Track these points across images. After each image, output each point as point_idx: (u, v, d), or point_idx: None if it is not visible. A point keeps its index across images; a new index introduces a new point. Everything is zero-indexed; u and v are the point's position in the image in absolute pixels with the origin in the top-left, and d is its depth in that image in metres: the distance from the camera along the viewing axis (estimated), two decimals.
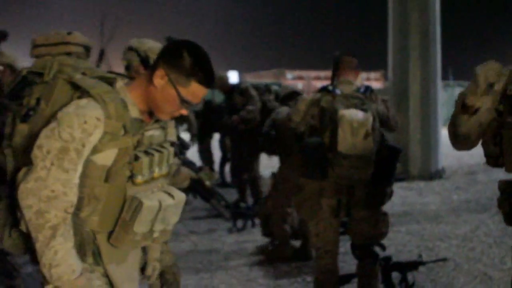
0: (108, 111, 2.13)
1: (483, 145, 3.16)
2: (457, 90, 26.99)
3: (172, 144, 2.38)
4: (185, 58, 2.17)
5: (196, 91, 2.20)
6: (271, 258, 5.90)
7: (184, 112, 2.25)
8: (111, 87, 2.21)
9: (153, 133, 2.30)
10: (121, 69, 3.61)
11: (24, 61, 4.58)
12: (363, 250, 4.24)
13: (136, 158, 2.20)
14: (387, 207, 4.33)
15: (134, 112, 2.22)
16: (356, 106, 4.03)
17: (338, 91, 4.13)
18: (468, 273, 5.33)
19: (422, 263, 4.83)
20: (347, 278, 4.76)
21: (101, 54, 6.50)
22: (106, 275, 2.27)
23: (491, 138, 3.05)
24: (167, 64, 2.18)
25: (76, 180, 2.12)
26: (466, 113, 2.93)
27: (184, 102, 2.20)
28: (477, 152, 3.46)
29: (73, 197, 2.10)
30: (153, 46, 3.62)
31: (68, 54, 2.49)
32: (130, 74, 3.60)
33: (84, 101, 2.14)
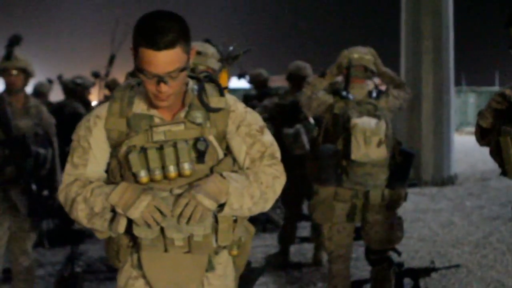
0: (111, 108, 2.16)
1: (491, 155, 3.16)
2: (470, 96, 26.94)
3: (200, 140, 2.11)
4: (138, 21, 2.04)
5: (143, 56, 1.99)
6: (277, 264, 5.88)
7: (161, 89, 2.01)
8: (133, 84, 2.21)
9: (170, 128, 2.13)
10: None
11: (36, 66, 4.62)
12: (378, 255, 4.23)
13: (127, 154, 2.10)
14: (399, 213, 4.32)
15: (139, 107, 2.15)
16: (369, 113, 4.02)
17: (351, 97, 4.11)
18: (481, 280, 5.29)
19: (434, 269, 4.81)
20: (360, 284, 4.74)
21: (111, 59, 6.55)
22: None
23: (495, 148, 3.04)
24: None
25: (89, 175, 2.18)
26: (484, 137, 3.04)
27: (140, 71, 2.01)
28: (490, 158, 3.44)
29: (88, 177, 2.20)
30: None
31: None
32: None
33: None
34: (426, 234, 7.03)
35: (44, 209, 4.59)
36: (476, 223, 7.53)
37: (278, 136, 5.84)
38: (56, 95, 8.83)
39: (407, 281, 4.67)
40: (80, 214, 2.13)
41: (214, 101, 2.17)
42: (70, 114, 6.76)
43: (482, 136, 3.16)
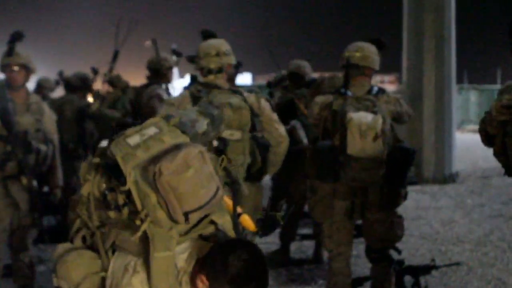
0: None
1: (495, 156, 3.16)
2: (472, 94, 26.88)
3: None
4: (226, 268, 1.99)
5: None
6: (277, 262, 5.88)
7: None
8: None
9: None
10: (133, 70, 3.64)
11: (37, 62, 4.62)
12: (378, 253, 4.23)
13: None
14: (399, 211, 4.32)
15: None
16: (367, 109, 4.03)
17: (349, 93, 4.13)
18: (481, 278, 5.29)
19: (435, 267, 4.80)
20: (360, 281, 4.74)
21: (115, 55, 6.56)
22: None
23: (500, 148, 3.05)
24: (209, 268, 2.03)
25: None
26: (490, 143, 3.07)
27: None
28: (492, 157, 3.43)
29: None
30: None
31: None
32: None
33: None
34: (427, 232, 7.03)
35: (45, 205, 4.59)
36: (477, 221, 7.53)
37: None
38: (57, 92, 8.82)
39: (407, 278, 4.66)
40: None
41: None
42: (75, 111, 6.73)
43: (489, 140, 3.19)
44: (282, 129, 4.19)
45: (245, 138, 3.89)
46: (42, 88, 7.88)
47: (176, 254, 2.11)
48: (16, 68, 4.43)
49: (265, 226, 2.48)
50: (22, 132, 4.32)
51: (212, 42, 4.15)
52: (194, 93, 4.02)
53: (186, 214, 2.03)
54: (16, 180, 4.33)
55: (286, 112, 5.90)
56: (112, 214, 2.16)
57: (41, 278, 5.19)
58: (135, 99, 6.00)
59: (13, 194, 4.34)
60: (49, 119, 4.65)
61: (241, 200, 4.00)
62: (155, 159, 2.05)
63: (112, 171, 2.14)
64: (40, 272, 5.21)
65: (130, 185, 2.07)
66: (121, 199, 2.13)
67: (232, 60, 4.16)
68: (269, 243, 6.48)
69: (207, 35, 4.23)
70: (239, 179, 3.95)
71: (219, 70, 4.07)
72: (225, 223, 2.23)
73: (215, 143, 3.75)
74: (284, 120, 5.86)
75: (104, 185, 2.19)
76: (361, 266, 5.47)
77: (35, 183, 4.43)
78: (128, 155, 2.10)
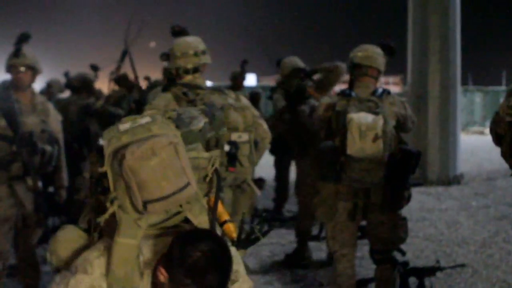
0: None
1: (502, 156, 3.17)
2: (477, 95, 26.86)
3: None
4: (183, 258, 1.94)
5: None
6: (289, 262, 5.87)
7: None
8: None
9: None
10: (140, 69, 3.62)
11: (44, 63, 4.63)
12: (382, 255, 4.23)
13: None
14: (404, 212, 4.31)
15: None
16: (369, 110, 4.03)
17: (353, 94, 4.15)
18: (486, 280, 5.28)
19: (439, 269, 4.80)
20: (364, 283, 4.74)
21: (124, 54, 6.57)
22: None
23: (508, 149, 3.06)
24: (168, 259, 1.99)
25: None
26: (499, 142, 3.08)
27: None
28: (496, 158, 3.43)
29: None
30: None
31: None
32: None
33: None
34: (432, 233, 7.02)
35: (50, 206, 4.60)
36: (482, 222, 7.52)
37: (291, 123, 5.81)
38: (66, 93, 8.87)
39: (412, 280, 4.66)
40: None
41: None
42: (79, 112, 6.75)
43: (499, 140, 3.21)
44: (265, 125, 4.18)
45: (250, 139, 3.87)
46: (51, 89, 7.94)
47: (145, 244, 2.09)
48: (22, 69, 4.44)
49: (244, 239, 2.44)
50: (27, 132, 4.33)
51: (189, 40, 4.03)
52: (179, 95, 3.91)
53: (145, 203, 2.01)
54: (21, 181, 4.34)
55: (297, 97, 5.85)
56: (101, 197, 2.18)
57: (46, 278, 5.20)
58: (140, 99, 6.01)
59: (18, 195, 4.35)
60: (55, 119, 4.66)
61: (244, 202, 4.01)
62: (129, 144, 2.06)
63: (99, 154, 2.18)
64: (45, 272, 5.22)
65: (107, 166, 2.09)
66: (106, 183, 2.14)
67: (209, 59, 4.05)
68: (274, 243, 6.48)
69: (178, 31, 4.14)
70: (248, 180, 3.94)
71: (196, 70, 3.99)
72: (201, 223, 2.19)
73: (226, 147, 3.73)
74: (299, 103, 5.84)
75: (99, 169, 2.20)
76: (366, 267, 5.47)
77: (40, 183, 4.43)
78: (113, 138, 2.13)
